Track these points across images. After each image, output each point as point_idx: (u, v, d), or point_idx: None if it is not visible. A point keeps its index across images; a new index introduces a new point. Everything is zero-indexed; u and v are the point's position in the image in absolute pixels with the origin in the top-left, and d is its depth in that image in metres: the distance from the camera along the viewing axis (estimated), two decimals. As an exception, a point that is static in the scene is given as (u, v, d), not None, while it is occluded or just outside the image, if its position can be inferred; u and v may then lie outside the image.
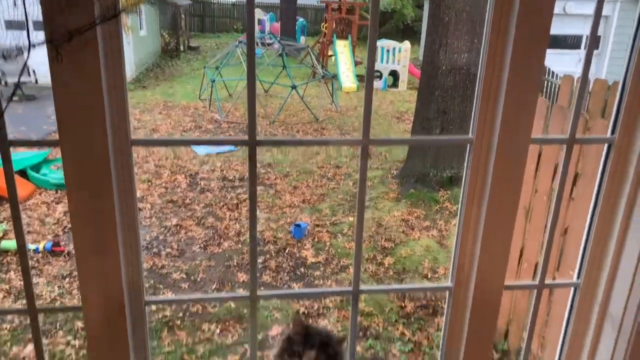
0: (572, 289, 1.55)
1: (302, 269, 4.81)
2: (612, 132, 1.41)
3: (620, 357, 1.46)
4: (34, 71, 9.70)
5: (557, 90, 7.48)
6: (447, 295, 1.49)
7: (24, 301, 1.39)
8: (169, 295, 4.34)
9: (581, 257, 1.52)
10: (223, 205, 5.96)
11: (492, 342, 1.48)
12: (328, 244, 5.28)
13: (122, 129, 1.20)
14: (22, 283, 4.24)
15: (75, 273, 4.31)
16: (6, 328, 3.82)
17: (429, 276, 4.86)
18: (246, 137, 1.25)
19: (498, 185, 1.30)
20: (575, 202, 2.73)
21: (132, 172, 1.25)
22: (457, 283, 1.46)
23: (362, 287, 1.46)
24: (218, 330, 4.00)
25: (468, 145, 1.35)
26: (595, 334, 1.53)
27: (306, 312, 4.15)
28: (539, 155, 3.09)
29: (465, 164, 1.36)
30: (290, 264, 4.96)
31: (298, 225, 5.41)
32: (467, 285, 1.45)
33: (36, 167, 5.96)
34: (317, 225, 5.62)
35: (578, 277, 1.52)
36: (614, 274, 1.47)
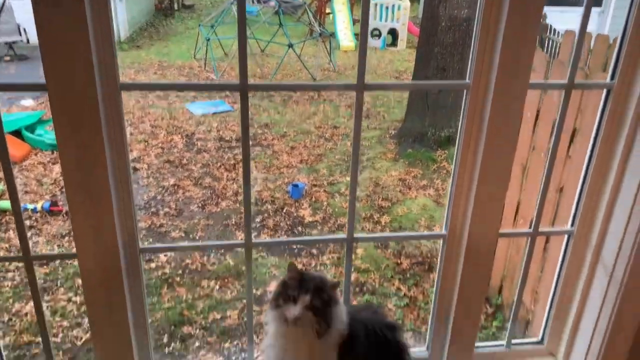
0: (566, 236, 1.56)
1: (299, 228, 4.83)
2: (612, 79, 1.39)
3: (610, 303, 1.48)
4: (24, 30, 9.49)
5: (558, 48, 7.36)
6: (440, 244, 1.49)
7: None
8: (167, 251, 4.37)
9: (576, 205, 1.52)
10: (220, 166, 5.94)
11: (485, 290, 1.50)
12: (325, 203, 5.29)
13: (110, 75, 1.18)
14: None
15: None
16: (7, 285, 3.86)
17: (423, 243, 4.89)
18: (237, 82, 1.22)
19: (495, 130, 1.29)
20: (572, 160, 2.72)
21: (122, 118, 1.23)
22: (452, 231, 1.46)
23: (357, 234, 1.47)
24: (217, 287, 4.04)
25: (465, 91, 1.32)
26: (587, 280, 1.54)
27: (303, 269, 4.19)
28: (537, 113, 3.06)
29: (462, 110, 1.35)
30: (288, 223, 4.98)
31: (295, 185, 5.41)
32: (461, 232, 1.45)
33: (31, 128, 5.91)
34: (315, 185, 5.62)
35: (572, 225, 1.52)
36: (607, 221, 1.47)
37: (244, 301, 3.88)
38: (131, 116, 7.01)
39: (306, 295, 1.30)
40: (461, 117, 1.35)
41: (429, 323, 1.64)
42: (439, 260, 1.53)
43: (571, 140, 2.74)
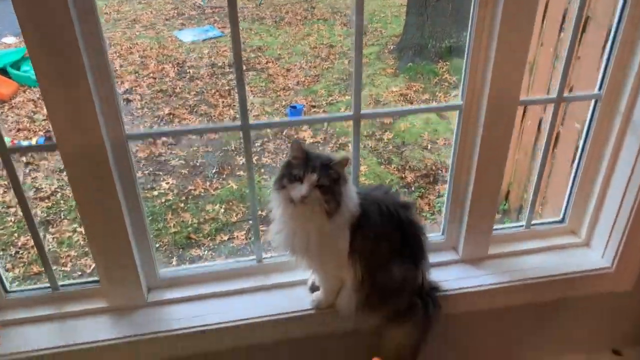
0: (592, 102, 1.44)
1: (301, 149, 4.72)
2: None
3: (640, 171, 1.39)
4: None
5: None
6: (457, 115, 1.39)
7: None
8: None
9: (604, 67, 1.39)
10: (215, 92, 5.76)
11: (504, 164, 1.41)
12: (325, 124, 5.15)
13: None
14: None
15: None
16: (11, 220, 3.82)
17: (429, 147, 4.79)
18: None
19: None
20: (584, 50, 2.53)
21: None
22: (468, 101, 1.35)
23: (364, 111, 1.36)
24: (222, 210, 3.99)
25: None
26: (614, 149, 1.44)
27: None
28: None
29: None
30: (289, 145, 4.86)
31: (294, 107, 5.25)
32: (479, 101, 1.34)
33: (16, 65, 5.70)
34: (313, 107, 5.47)
35: (600, 89, 1.41)
36: (639, 83, 1.35)
37: (250, 222, 3.85)
38: (119, 48, 6.75)
39: (313, 173, 1.21)
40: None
41: (445, 206, 1.57)
42: (454, 134, 1.43)
43: (583, 29, 2.55)
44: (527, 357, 1.78)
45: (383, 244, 1.31)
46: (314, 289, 1.51)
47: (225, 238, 3.71)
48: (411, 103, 5.44)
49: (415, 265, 1.37)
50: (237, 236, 3.74)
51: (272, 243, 1.37)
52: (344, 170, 1.25)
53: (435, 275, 1.50)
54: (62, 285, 1.47)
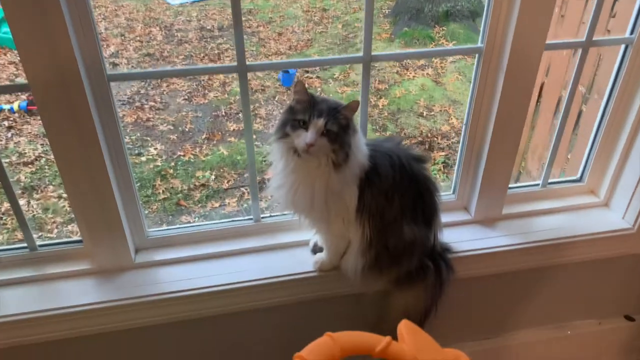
0: (622, 47, 1.33)
1: (294, 115, 4.58)
2: None
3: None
4: None
5: None
6: (476, 58, 1.26)
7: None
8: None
9: (637, 11, 1.27)
10: (204, 56, 5.56)
11: (525, 116, 1.29)
12: (319, 89, 5.00)
13: None
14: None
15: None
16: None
17: (424, 114, 4.67)
18: None
19: None
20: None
21: None
22: (490, 44, 1.22)
23: (375, 53, 1.23)
24: (213, 177, 3.87)
25: None
26: (643, 100, 1.33)
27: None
28: None
29: None
30: (281, 111, 4.71)
31: (287, 72, 5.08)
32: (501, 45, 1.21)
33: (-5, 26, 5.44)
34: (307, 72, 5.29)
35: (632, 32, 1.29)
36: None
37: (242, 189, 3.74)
38: (104, 10, 6.49)
39: (319, 118, 1.08)
40: None
41: (457, 163, 1.45)
42: (472, 81, 1.30)
43: None
44: (536, 323, 1.70)
45: (395, 200, 1.19)
46: (316, 250, 1.40)
47: (217, 205, 3.60)
48: (406, 69, 5.30)
49: (428, 224, 1.26)
50: (229, 203, 3.63)
51: (271, 199, 1.25)
52: (354, 116, 1.13)
53: (446, 237, 1.40)
54: (41, 246, 1.34)
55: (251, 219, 1.44)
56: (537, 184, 1.54)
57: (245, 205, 3.60)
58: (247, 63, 1.21)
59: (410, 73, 5.20)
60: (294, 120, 1.11)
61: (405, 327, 0.72)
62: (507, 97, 1.24)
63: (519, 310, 1.65)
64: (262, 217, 1.44)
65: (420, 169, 1.22)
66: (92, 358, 1.39)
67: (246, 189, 3.79)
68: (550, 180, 1.54)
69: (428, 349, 0.69)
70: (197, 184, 3.81)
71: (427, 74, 5.22)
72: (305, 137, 1.08)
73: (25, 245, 1.33)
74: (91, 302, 1.27)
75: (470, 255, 1.40)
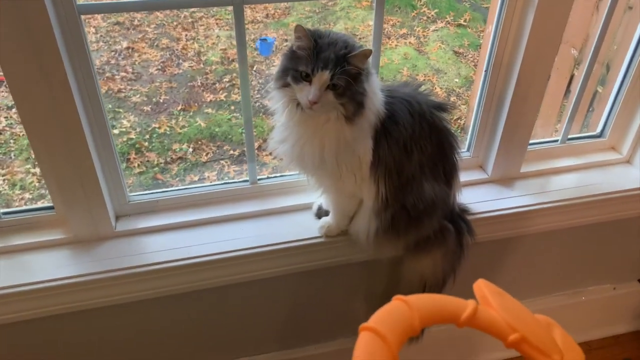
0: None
1: (274, 85, 4.41)
2: None
3: None
4: None
5: None
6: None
7: None
8: (131, 117, 3.92)
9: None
10: (177, 25, 5.29)
11: (555, 55, 1.16)
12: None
13: None
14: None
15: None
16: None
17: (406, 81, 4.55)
18: None
19: None
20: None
21: None
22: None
23: None
24: (190, 149, 3.69)
25: None
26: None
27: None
28: None
29: None
30: (260, 81, 4.53)
31: (264, 40, 4.86)
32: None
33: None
34: (286, 40, 5.09)
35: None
36: None
37: (222, 162, 3.57)
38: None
39: (324, 70, 0.93)
40: None
41: (473, 117, 1.32)
42: (495, 21, 1.16)
43: None
44: (551, 290, 1.60)
45: (414, 153, 1.04)
46: (320, 214, 1.25)
47: (196, 178, 3.43)
48: (388, 38, 5.15)
49: (448, 183, 1.13)
50: (209, 177, 3.46)
51: (274, 154, 1.09)
52: (366, 64, 0.98)
53: (462, 197, 1.27)
54: (5, 213, 1.17)
55: (247, 181, 1.28)
56: (556, 140, 1.42)
57: (225, 178, 3.43)
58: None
59: (392, 42, 5.06)
60: (295, 70, 0.95)
61: (486, 288, 0.57)
62: (536, 37, 1.10)
63: (534, 276, 1.55)
64: (259, 179, 1.29)
65: (441, 119, 1.08)
66: (69, 338, 1.23)
67: (226, 162, 3.63)
68: (569, 136, 1.42)
69: (519, 314, 0.55)
70: (174, 157, 3.63)
71: (410, 42, 5.08)
72: (307, 93, 0.93)
73: (-15, 213, 1.15)
74: (67, 276, 1.10)
75: (489, 217, 1.28)
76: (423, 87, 1.11)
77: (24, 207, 1.21)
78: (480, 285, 0.58)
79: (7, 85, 0.96)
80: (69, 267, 1.12)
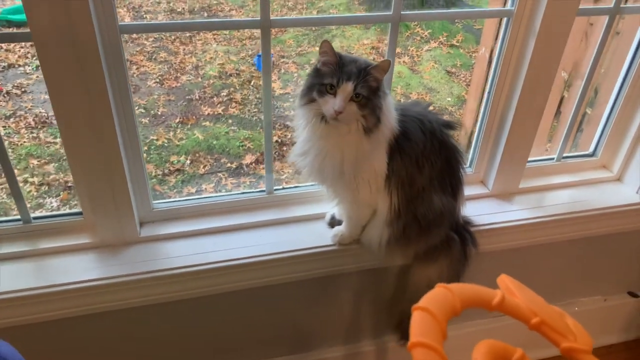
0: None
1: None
2: None
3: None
4: None
5: None
6: (503, 23, 1.21)
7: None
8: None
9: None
10: (175, 39, 5.36)
11: (553, 80, 1.26)
12: (296, 75, 4.92)
13: None
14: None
15: (19, 112, 3.86)
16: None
17: (402, 101, 4.66)
18: None
19: None
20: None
21: None
22: (521, 7, 1.18)
23: (405, 12, 1.17)
24: (188, 162, 3.74)
25: None
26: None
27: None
28: None
29: None
30: (257, 96, 4.61)
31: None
32: (533, 9, 1.17)
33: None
34: (283, 57, 5.19)
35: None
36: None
37: (219, 174, 3.63)
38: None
39: (348, 82, 1.01)
40: None
41: (476, 135, 1.41)
42: (498, 48, 1.26)
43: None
44: (545, 300, 1.68)
45: (425, 167, 1.13)
46: (333, 223, 1.33)
47: (193, 190, 3.48)
48: (383, 56, 5.26)
49: (454, 195, 1.21)
50: (206, 189, 3.51)
51: (295, 167, 1.17)
52: (384, 77, 1.07)
53: (465, 210, 1.36)
54: (36, 218, 1.22)
55: (263, 191, 1.36)
56: (552, 158, 1.52)
57: (222, 190, 3.49)
58: (272, 18, 1.13)
59: (387, 61, 5.18)
60: (321, 84, 1.03)
61: (509, 281, 0.67)
62: (537, 62, 1.20)
63: (529, 286, 1.62)
64: (275, 190, 1.36)
65: (449, 137, 1.17)
66: (94, 338, 1.29)
67: (223, 174, 3.69)
68: (564, 155, 1.52)
69: (538, 302, 0.65)
70: (172, 168, 3.68)
71: (404, 61, 5.21)
72: (333, 104, 1.01)
73: (18, 217, 1.21)
74: (94, 278, 1.16)
75: (490, 229, 1.36)
76: (432, 107, 1.20)
77: (54, 213, 1.27)
78: (504, 279, 0.67)
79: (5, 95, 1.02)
80: (96, 270, 1.18)
